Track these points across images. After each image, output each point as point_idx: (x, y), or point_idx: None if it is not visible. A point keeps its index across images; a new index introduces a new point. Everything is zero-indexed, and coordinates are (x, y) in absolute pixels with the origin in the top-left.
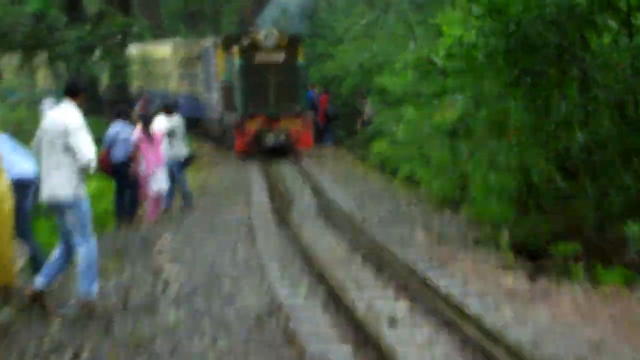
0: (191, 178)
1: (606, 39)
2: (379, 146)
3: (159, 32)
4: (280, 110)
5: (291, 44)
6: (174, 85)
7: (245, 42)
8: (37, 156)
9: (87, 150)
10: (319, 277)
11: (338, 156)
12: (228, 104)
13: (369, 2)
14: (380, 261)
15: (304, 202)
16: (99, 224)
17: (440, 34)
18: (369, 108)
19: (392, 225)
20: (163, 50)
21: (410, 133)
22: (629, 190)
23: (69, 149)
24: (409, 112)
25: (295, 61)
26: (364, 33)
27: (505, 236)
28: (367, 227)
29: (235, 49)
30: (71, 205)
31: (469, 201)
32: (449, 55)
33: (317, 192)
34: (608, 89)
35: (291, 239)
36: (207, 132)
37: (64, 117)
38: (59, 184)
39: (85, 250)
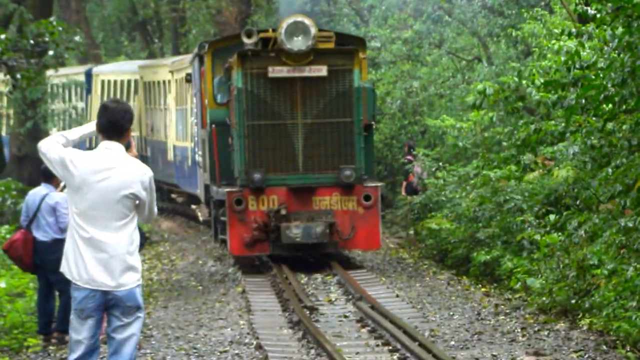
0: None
1: None
2: (436, 223)
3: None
4: (317, 176)
5: (344, 50)
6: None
7: (252, 41)
8: None
9: None
10: None
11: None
12: (217, 164)
13: (417, 7)
14: None
15: (334, 307)
16: (14, 338)
17: (529, 51)
18: (418, 166)
19: (478, 344)
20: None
21: (486, 203)
22: None
23: None
24: (484, 171)
25: (352, 80)
26: (407, 52)
27: None
28: (439, 347)
29: (234, 61)
30: None
31: (594, 306)
32: (549, 84)
33: (349, 290)
34: None
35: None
36: (182, 209)
37: None
38: None
39: None
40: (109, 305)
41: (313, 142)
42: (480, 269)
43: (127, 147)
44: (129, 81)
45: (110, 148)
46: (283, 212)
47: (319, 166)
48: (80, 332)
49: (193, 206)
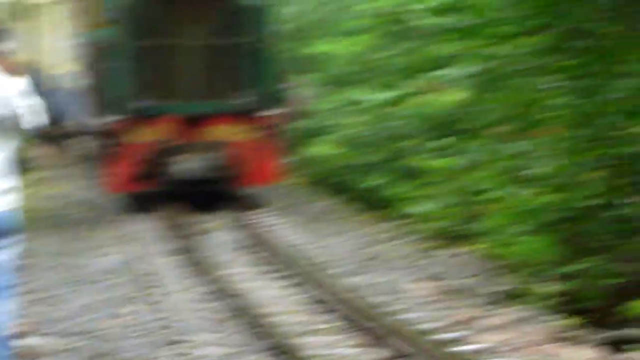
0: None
1: None
2: (320, 149)
3: None
4: (209, 104)
5: None
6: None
7: None
8: None
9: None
10: None
11: None
12: (98, 90)
13: None
14: (371, 330)
15: (220, 233)
16: None
17: None
18: (302, 91)
19: (369, 270)
20: None
21: (374, 127)
22: None
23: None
24: (371, 95)
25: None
26: None
27: (547, 288)
28: (332, 274)
29: None
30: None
31: (484, 232)
32: (441, 10)
33: (237, 217)
34: None
35: (219, 294)
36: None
37: None
38: None
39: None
40: None
41: (205, 65)
42: (368, 195)
43: None
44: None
45: None
46: (173, 143)
47: (212, 93)
48: None
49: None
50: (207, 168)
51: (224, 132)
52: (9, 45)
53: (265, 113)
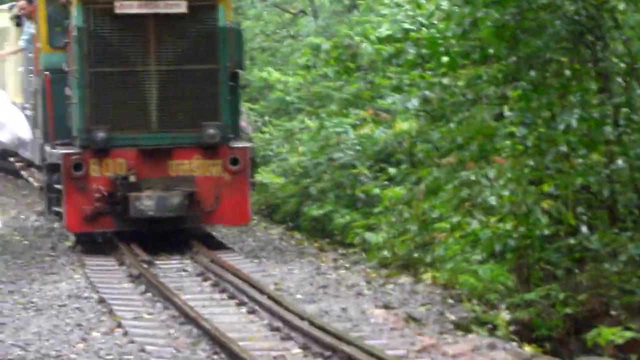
0: None
1: None
2: (265, 177)
3: None
4: (174, 135)
5: None
6: None
7: None
8: None
9: None
10: None
11: None
12: (51, 119)
13: None
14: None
15: (172, 262)
16: None
17: (354, 5)
18: (245, 120)
19: (325, 298)
20: None
21: (317, 158)
22: None
23: None
24: (317, 124)
25: (216, 19)
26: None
27: (503, 316)
28: (287, 299)
29: None
30: None
31: (437, 260)
32: (390, 37)
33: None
34: None
35: (180, 319)
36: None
37: None
38: None
39: None
40: None
41: (169, 93)
42: (312, 224)
43: None
44: None
45: None
46: (132, 179)
47: (177, 123)
48: None
49: (17, 163)
50: (170, 206)
51: (190, 166)
52: None
53: (234, 145)
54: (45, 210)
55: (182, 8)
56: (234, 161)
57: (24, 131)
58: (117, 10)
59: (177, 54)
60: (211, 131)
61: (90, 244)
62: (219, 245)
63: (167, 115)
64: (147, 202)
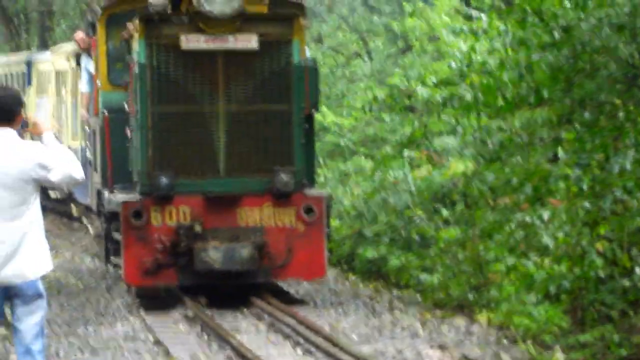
0: None
1: None
2: None
3: None
4: (243, 181)
5: (280, 15)
6: None
7: (160, 2)
8: None
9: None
10: None
11: None
12: (110, 163)
13: None
14: None
15: (227, 302)
16: None
17: (408, 47)
18: None
19: (380, 339)
20: None
21: (372, 199)
22: None
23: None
24: (370, 165)
25: (291, 55)
26: None
27: (558, 357)
28: (343, 340)
29: (135, 27)
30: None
31: (492, 301)
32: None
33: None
34: None
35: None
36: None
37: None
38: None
39: None
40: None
41: (239, 135)
42: (367, 266)
43: (24, 127)
44: (17, 73)
45: (1, 135)
46: (197, 228)
47: (247, 168)
48: None
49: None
50: (239, 258)
51: (260, 215)
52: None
53: (308, 193)
54: (103, 262)
55: (254, 43)
56: (309, 210)
57: (76, 170)
58: (183, 46)
59: (248, 93)
60: (284, 177)
61: (151, 300)
62: (274, 287)
63: (236, 159)
64: (214, 255)
